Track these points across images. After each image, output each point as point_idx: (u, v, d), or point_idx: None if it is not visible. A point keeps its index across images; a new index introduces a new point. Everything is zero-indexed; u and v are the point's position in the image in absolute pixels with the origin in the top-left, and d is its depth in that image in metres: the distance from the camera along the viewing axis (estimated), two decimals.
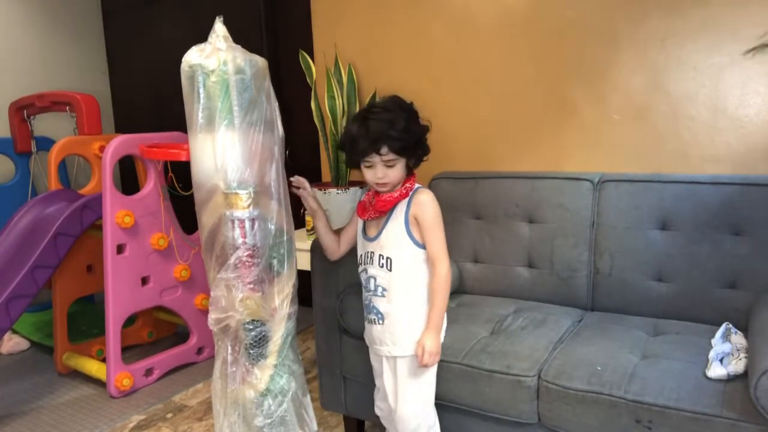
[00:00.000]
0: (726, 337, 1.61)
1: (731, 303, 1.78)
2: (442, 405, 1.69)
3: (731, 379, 1.41)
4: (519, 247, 2.11)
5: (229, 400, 1.44)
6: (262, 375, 1.40)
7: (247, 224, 1.37)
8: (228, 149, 1.35)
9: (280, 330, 1.41)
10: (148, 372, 2.59)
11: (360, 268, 1.65)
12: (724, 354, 1.49)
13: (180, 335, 3.06)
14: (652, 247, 1.90)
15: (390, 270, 1.54)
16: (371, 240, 1.59)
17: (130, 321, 2.81)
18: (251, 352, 1.42)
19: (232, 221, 1.38)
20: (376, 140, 1.46)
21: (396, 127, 1.45)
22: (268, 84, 1.41)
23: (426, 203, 1.52)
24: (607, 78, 2.15)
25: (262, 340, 1.41)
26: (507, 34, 2.32)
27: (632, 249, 1.93)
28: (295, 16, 3.15)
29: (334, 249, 1.74)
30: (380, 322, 1.58)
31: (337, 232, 1.76)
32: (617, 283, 1.95)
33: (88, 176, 3.04)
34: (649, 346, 1.64)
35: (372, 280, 1.58)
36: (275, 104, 1.44)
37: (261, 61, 1.40)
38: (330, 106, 2.53)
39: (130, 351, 2.87)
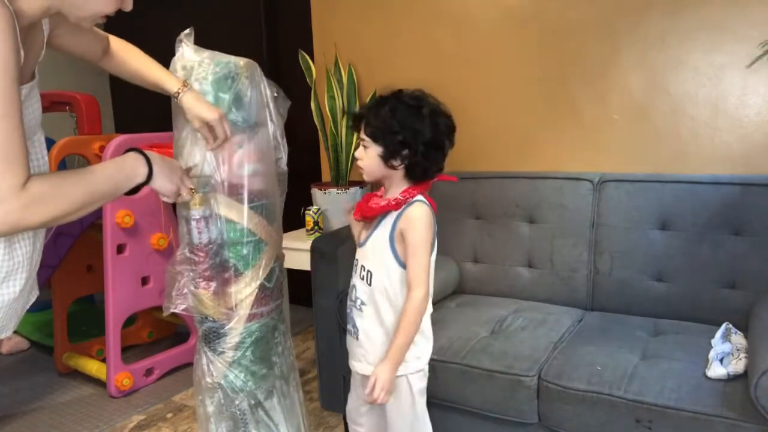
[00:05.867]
0: (726, 337, 1.61)
1: (731, 303, 1.78)
2: (442, 405, 1.69)
3: (731, 379, 1.41)
4: (519, 247, 2.11)
5: (195, 383, 1.50)
6: (214, 368, 1.43)
7: (193, 223, 1.39)
8: (187, 149, 1.38)
9: (237, 329, 1.42)
10: (148, 372, 2.59)
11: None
12: (724, 354, 1.49)
13: (180, 335, 3.05)
14: (652, 247, 1.90)
15: (369, 285, 1.40)
16: (360, 246, 1.46)
17: (130, 321, 2.80)
18: (204, 345, 1.45)
19: (186, 219, 1.41)
20: (359, 115, 1.39)
21: (379, 111, 1.34)
22: (249, 84, 1.40)
23: (415, 220, 1.33)
24: (607, 78, 2.15)
25: (212, 336, 1.44)
26: (507, 33, 2.32)
27: (632, 249, 1.93)
28: (295, 17, 3.14)
29: None
30: (356, 336, 1.44)
31: None
32: (617, 283, 1.95)
33: None
34: (649, 346, 1.64)
35: (353, 290, 1.45)
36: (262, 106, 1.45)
37: (241, 62, 1.39)
38: (330, 106, 2.53)
39: (130, 351, 2.86)
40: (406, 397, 1.41)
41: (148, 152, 1.19)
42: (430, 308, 1.43)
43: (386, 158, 1.34)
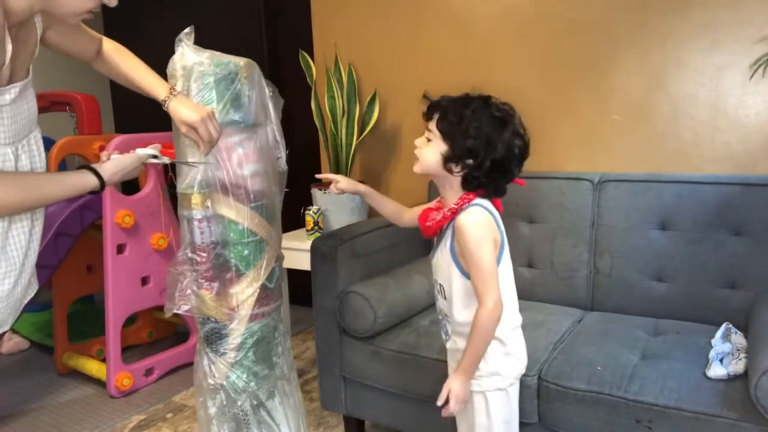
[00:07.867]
0: (726, 337, 1.61)
1: (731, 303, 1.78)
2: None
3: (731, 379, 1.41)
4: (519, 247, 2.11)
5: (196, 385, 1.51)
6: (216, 370, 1.43)
7: (195, 223, 1.40)
8: (187, 149, 1.38)
9: (239, 330, 1.43)
10: (148, 372, 2.59)
11: None
12: (724, 354, 1.49)
13: (180, 335, 3.05)
14: (652, 247, 1.90)
15: (445, 298, 1.34)
16: (431, 259, 1.39)
17: (130, 321, 2.80)
18: (206, 346, 1.45)
19: (188, 220, 1.41)
20: (435, 104, 1.28)
21: (463, 110, 1.24)
22: (249, 85, 1.40)
23: (463, 230, 1.22)
24: (607, 78, 2.15)
25: (214, 337, 1.44)
26: (507, 33, 2.32)
27: (632, 249, 1.93)
28: (295, 16, 3.15)
29: (397, 219, 1.53)
30: (447, 340, 1.40)
31: (397, 205, 1.55)
32: (617, 283, 1.95)
33: None
34: (649, 346, 1.64)
35: (437, 300, 1.41)
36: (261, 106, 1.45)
37: (241, 63, 1.39)
38: (330, 106, 2.53)
39: (130, 351, 2.86)
40: (480, 418, 1.30)
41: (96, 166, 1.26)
42: (517, 319, 1.36)
43: (448, 160, 1.24)
